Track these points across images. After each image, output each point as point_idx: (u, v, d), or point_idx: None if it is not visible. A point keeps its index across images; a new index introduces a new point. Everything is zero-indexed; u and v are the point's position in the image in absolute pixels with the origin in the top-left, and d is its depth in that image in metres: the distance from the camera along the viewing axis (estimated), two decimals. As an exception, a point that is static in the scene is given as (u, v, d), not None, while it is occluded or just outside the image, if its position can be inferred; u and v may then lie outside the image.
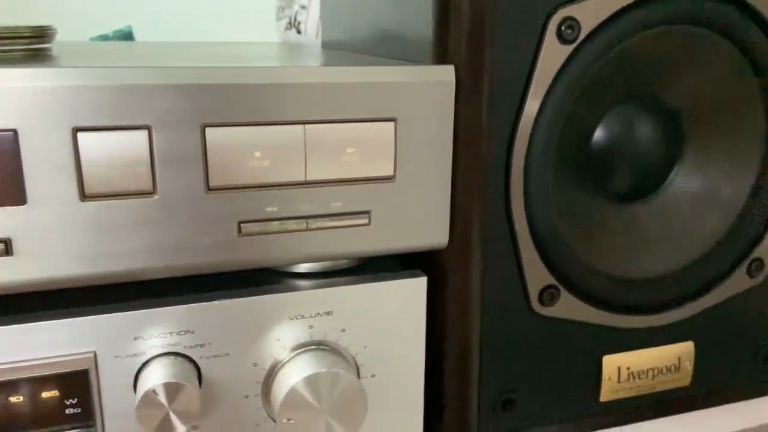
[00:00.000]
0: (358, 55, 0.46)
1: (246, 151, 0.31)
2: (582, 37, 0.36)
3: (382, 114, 0.33)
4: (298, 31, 0.86)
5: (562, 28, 0.36)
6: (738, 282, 0.44)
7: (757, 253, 0.44)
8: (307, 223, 0.33)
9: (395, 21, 0.43)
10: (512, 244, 0.39)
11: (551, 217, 0.39)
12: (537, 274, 0.40)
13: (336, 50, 0.56)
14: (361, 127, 0.33)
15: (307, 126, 0.32)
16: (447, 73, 0.34)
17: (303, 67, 0.32)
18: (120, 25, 0.94)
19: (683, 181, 0.44)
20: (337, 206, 0.34)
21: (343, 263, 0.40)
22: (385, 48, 0.44)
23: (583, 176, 0.42)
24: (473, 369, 0.40)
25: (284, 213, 0.33)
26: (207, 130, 0.30)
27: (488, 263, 0.39)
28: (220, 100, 0.30)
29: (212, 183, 0.31)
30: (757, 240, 0.44)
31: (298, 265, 0.39)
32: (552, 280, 0.40)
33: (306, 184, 0.33)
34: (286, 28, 0.88)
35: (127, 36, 0.93)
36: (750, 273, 0.44)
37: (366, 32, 0.49)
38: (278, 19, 0.90)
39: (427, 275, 0.39)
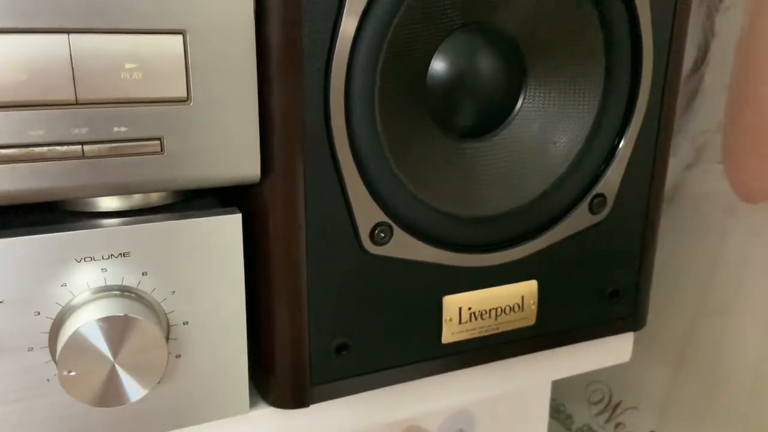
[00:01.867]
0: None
1: (-6, 62, 0.27)
2: (399, -52, 0.33)
3: (168, 25, 0.30)
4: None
5: (376, -63, 0.33)
6: (580, 218, 0.44)
7: (599, 188, 0.44)
8: (82, 150, 0.29)
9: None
10: (337, 179, 0.36)
11: (380, 150, 0.37)
12: (366, 211, 0.37)
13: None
14: (141, 40, 0.29)
15: (72, 36, 0.28)
16: (243, -18, 0.31)
17: (62, -34, 0.28)
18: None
19: (525, 116, 0.42)
20: (120, 131, 0.30)
21: (153, 201, 0.36)
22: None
23: (420, 109, 0.40)
24: (302, 313, 0.38)
25: (53, 137, 0.29)
26: (-61, 35, 0.26)
27: (312, 199, 0.36)
28: (-49, -1, 0.26)
29: (-47, 100, 0.27)
30: (599, 175, 0.43)
31: (97, 204, 0.35)
32: (383, 218, 0.38)
33: (77, 104, 0.29)
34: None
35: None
36: (592, 209, 0.44)
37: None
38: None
39: (248, 212, 0.36)
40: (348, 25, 0.34)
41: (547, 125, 0.42)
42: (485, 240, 0.42)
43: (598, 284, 0.46)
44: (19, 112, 0.28)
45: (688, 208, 0.59)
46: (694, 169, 0.58)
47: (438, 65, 0.40)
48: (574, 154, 0.43)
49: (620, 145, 0.43)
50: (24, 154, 0.28)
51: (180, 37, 0.30)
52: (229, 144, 0.33)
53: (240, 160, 0.33)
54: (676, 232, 0.59)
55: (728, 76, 0.52)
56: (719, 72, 0.54)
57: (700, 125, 0.57)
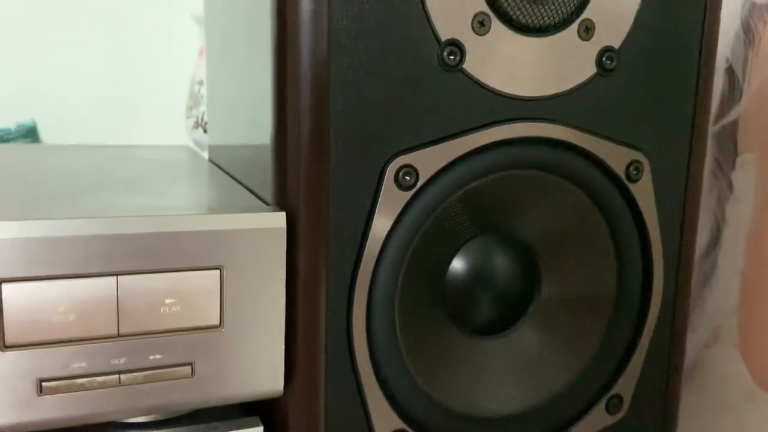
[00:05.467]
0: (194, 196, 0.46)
1: (48, 306, 0.29)
2: (420, 183, 0.36)
3: (207, 262, 0.32)
4: (205, 131, 0.86)
5: (400, 175, 0.36)
6: (597, 419, 0.44)
7: (615, 389, 0.44)
8: (119, 379, 0.31)
9: (250, 150, 0.43)
10: (357, 388, 0.37)
11: (398, 354, 0.38)
12: (384, 418, 0.38)
13: (216, 166, 0.56)
14: (182, 277, 0.32)
15: (121, 277, 0.31)
16: (277, 221, 0.34)
17: (112, 219, 0.31)
18: (24, 119, 0.92)
19: (540, 315, 0.44)
20: (155, 359, 0.32)
21: (176, 411, 0.37)
22: (247, 175, 0.44)
23: (437, 309, 0.41)
24: None
25: (93, 369, 0.31)
26: (3, 285, 0.29)
27: (332, 409, 0.37)
28: (15, 254, 0.29)
29: (9, 340, 0.29)
30: (616, 376, 0.44)
31: (127, 413, 0.36)
32: (400, 424, 0.39)
33: (119, 337, 0.31)
34: (194, 128, 0.88)
35: (30, 131, 0.91)
36: (609, 410, 0.44)
37: (235, 152, 0.48)
38: (187, 117, 0.90)
39: (270, 419, 0.37)
40: (371, 249, 0.36)
41: (562, 325, 0.44)
42: (502, 442, 0.42)
43: (618, 483, 0.46)
44: (63, 347, 0.30)
45: (707, 388, 0.58)
46: (712, 349, 0.58)
47: (456, 266, 0.42)
48: (589, 355, 0.43)
49: (635, 345, 0.44)
50: (65, 386, 0.30)
51: (217, 272, 0.33)
52: (256, 364, 0.34)
53: (265, 377, 0.35)
54: (695, 410, 0.59)
55: (740, 262, 0.54)
56: (732, 258, 0.55)
57: (716, 306, 0.58)
